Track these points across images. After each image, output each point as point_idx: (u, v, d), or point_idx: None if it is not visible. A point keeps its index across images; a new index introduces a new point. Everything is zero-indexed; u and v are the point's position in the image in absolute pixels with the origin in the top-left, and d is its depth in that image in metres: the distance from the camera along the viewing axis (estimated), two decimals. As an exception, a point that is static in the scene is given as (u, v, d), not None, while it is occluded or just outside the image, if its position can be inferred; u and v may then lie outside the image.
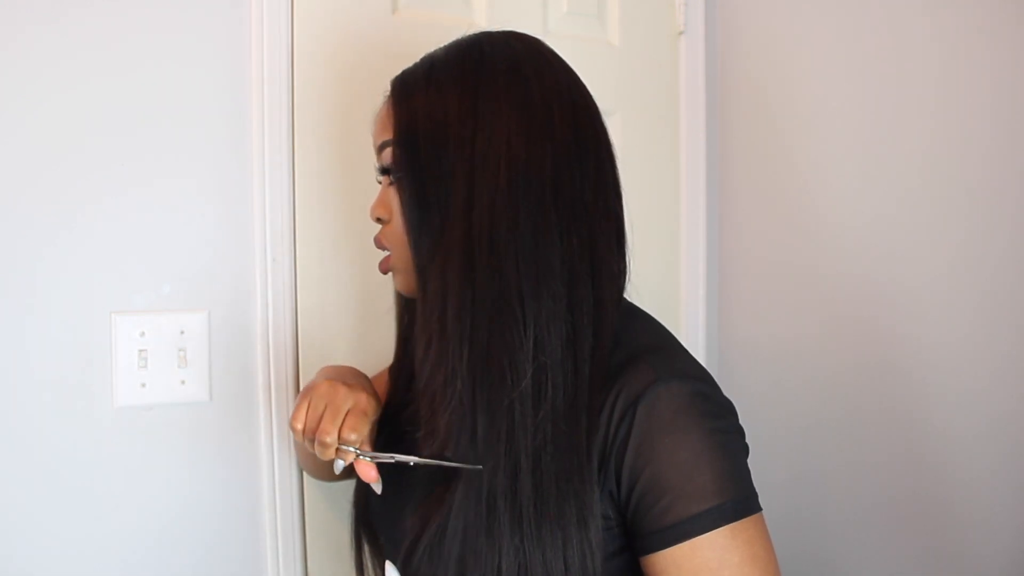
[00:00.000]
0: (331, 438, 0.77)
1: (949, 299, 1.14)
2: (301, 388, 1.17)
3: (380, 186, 0.84)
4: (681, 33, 1.49)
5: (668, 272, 1.51)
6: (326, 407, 0.78)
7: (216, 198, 1.12)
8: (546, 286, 0.70)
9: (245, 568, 1.14)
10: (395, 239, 0.79)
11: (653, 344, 0.76)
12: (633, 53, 1.45)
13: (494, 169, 0.71)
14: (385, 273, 0.84)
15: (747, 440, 0.74)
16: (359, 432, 0.78)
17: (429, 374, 0.73)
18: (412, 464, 0.75)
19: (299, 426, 0.78)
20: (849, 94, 1.28)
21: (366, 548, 0.94)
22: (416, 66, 0.79)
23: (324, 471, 1.02)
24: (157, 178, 1.08)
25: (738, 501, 0.68)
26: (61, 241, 1.03)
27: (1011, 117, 1.07)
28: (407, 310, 0.91)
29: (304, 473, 1.17)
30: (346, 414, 0.78)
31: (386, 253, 0.83)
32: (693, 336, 1.51)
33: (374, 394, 0.84)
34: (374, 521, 0.90)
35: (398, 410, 0.91)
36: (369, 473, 0.78)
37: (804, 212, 1.36)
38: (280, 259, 1.15)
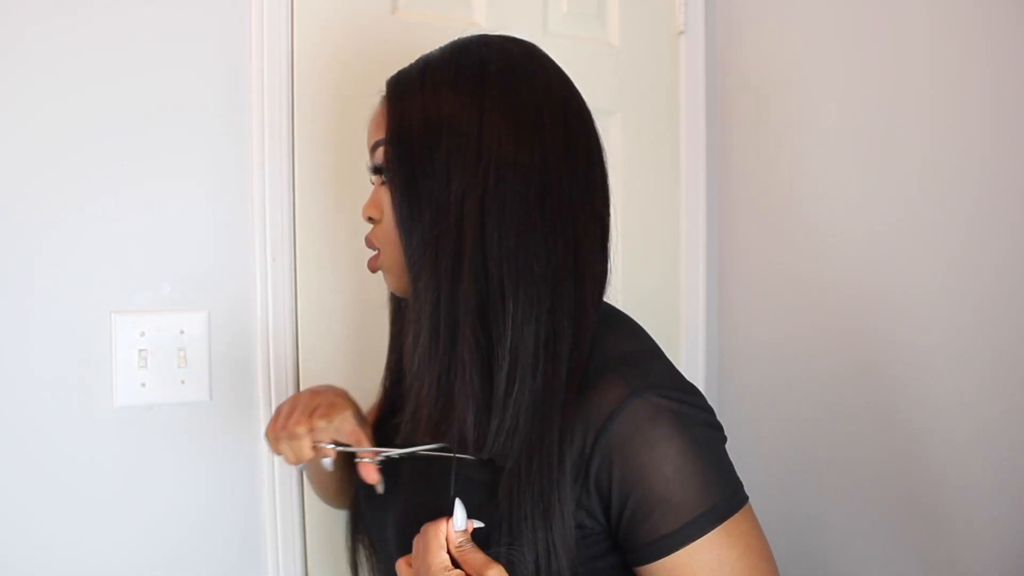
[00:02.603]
0: (302, 428, 0.81)
1: (946, 303, 1.14)
2: (301, 387, 1.17)
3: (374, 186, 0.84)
4: (681, 33, 1.49)
5: (668, 272, 1.50)
6: (292, 408, 0.84)
7: (216, 198, 1.12)
8: (525, 287, 0.71)
9: (245, 568, 1.14)
10: (386, 238, 0.80)
11: (628, 353, 0.76)
12: (633, 53, 1.45)
13: (483, 169, 0.72)
14: (374, 271, 0.85)
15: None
16: (328, 419, 0.82)
17: (417, 368, 0.74)
18: (397, 456, 0.78)
19: (269, 432, 0.83)
20: (849, 94, 1.28)
21: (361, 550, 0.94)
22: (411, 67, 0.80)
23: (340, 497, 1.03)
24: (157, 178, 1.08)
25: (727, 499, 0.70)
26: (61, 241, 1.03)
27: (1011, 121, 1.07)
28: (400, 312, 0.91)
29: (304, 473, 1.17)
30: (314, 410, 0.83)
31: (372, 254, 0.84)
32: (693, 337, 1.51)
33: (350, 401, 0.86)
34: (364, 523, 0.90)
35: (393, 412, 0.91)
36: (370, 474, 0.81)
37: (803, 213, 1.36)
38: (280, 259, 1.15)
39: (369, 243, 0.84)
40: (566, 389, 0.71)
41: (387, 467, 0.82)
